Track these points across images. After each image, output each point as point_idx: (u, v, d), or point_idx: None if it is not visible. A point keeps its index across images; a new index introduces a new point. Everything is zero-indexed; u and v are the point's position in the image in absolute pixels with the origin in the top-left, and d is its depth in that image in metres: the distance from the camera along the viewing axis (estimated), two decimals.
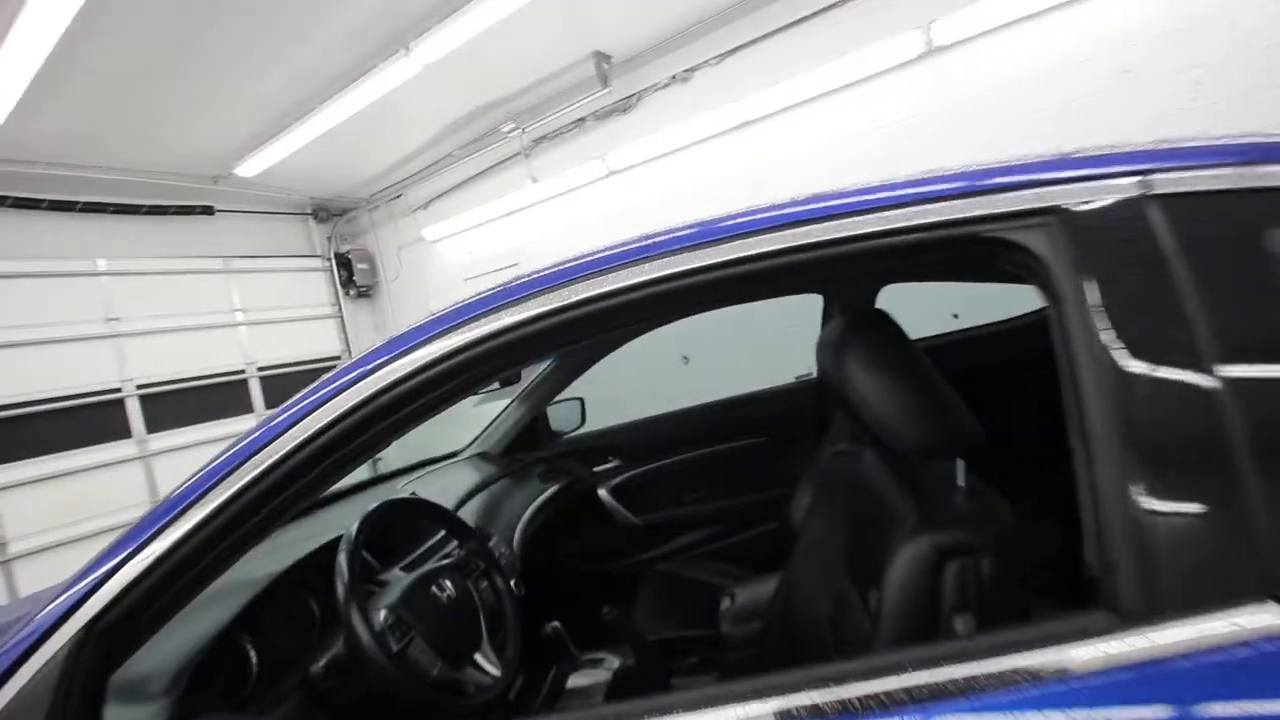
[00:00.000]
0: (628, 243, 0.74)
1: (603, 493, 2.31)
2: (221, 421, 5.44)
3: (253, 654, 1.10)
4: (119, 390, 4.99)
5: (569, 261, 0.76)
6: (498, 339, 0.70)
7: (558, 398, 2.36)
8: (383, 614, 0.99)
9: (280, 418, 0.73)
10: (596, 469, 2.38)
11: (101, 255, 4.96)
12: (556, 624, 1.54)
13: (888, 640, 0.71)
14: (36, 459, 4.53)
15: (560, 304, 0.71)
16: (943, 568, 0.69)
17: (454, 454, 2.30)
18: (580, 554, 2.39)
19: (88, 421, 4.83)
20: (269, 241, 5.96)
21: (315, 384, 0.77)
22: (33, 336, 4.61)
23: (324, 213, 6.27)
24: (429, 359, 0.70)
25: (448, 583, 1.13)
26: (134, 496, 4.87)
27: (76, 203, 4.98)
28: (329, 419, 0.71)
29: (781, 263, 0.67)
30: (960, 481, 0.79)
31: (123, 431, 4.99)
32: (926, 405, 0.81)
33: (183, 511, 0.72)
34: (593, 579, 2.40)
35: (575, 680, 1.51)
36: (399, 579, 1.30)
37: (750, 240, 0.67)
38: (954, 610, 0.68)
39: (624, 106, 4.65)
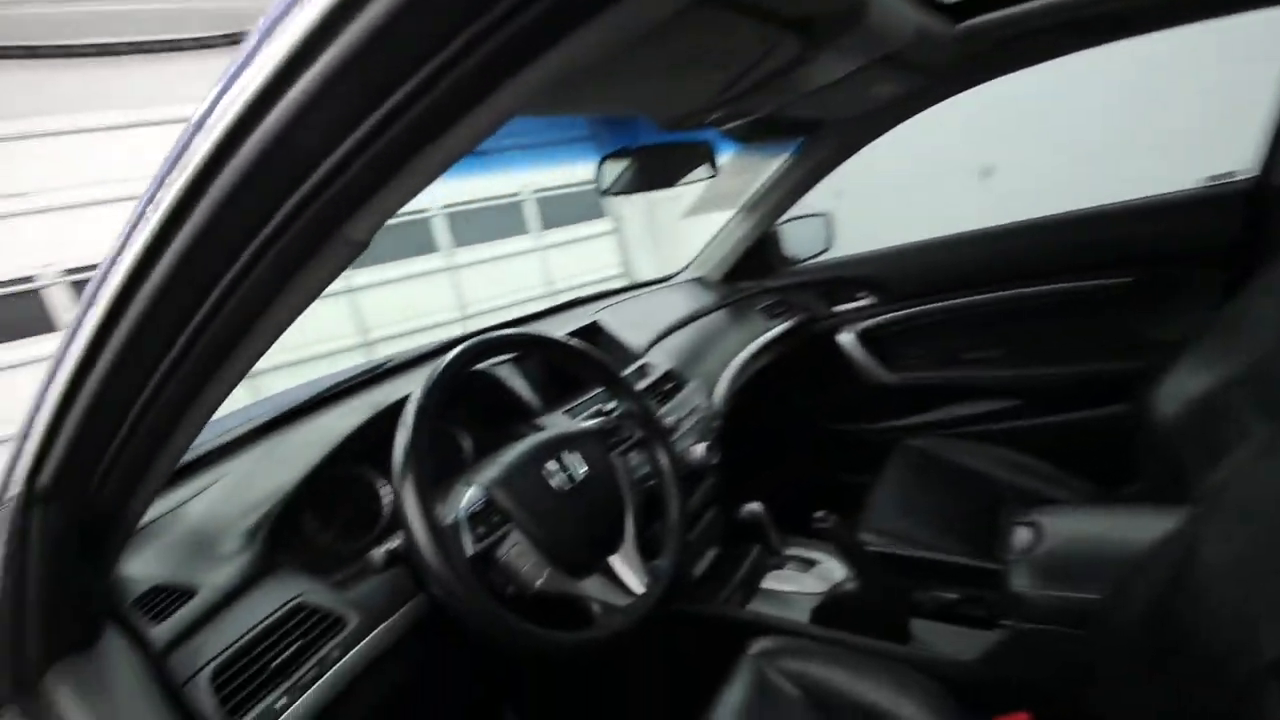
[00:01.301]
0: None
1: (846, 337, 1.78)
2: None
3: (382, 492, 0.95)
4: None
5: None
6: None
7: (792, 212, 1.80)
8: (469, 493, 0.72)
9: None
10: (839, 307, 1.83)
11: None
12: (758, 506, 1.18)
13: None
14: None
15: None
16: None
17: (664, 279, 1.95)
18: (806, 412, 1.95)
19: None
20: None
21: None
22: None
23: None
24: None
25: (576, 457, 0.81)
26: None
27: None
28: None
29: None
30: None
31: None
32: None
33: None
34: (819, 448, 1.98)
35: (773, 581, 1.17)
36: (553, 426, 1.04)
37: None
38: None
39: None
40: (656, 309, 1.63)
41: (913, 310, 1.70)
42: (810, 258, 1.91)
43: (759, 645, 0.95)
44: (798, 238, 1.97)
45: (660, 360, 1.38)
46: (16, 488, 0.51)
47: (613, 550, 0.79)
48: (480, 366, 1.10)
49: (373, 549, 0.71)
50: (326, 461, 0.84)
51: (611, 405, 0.98)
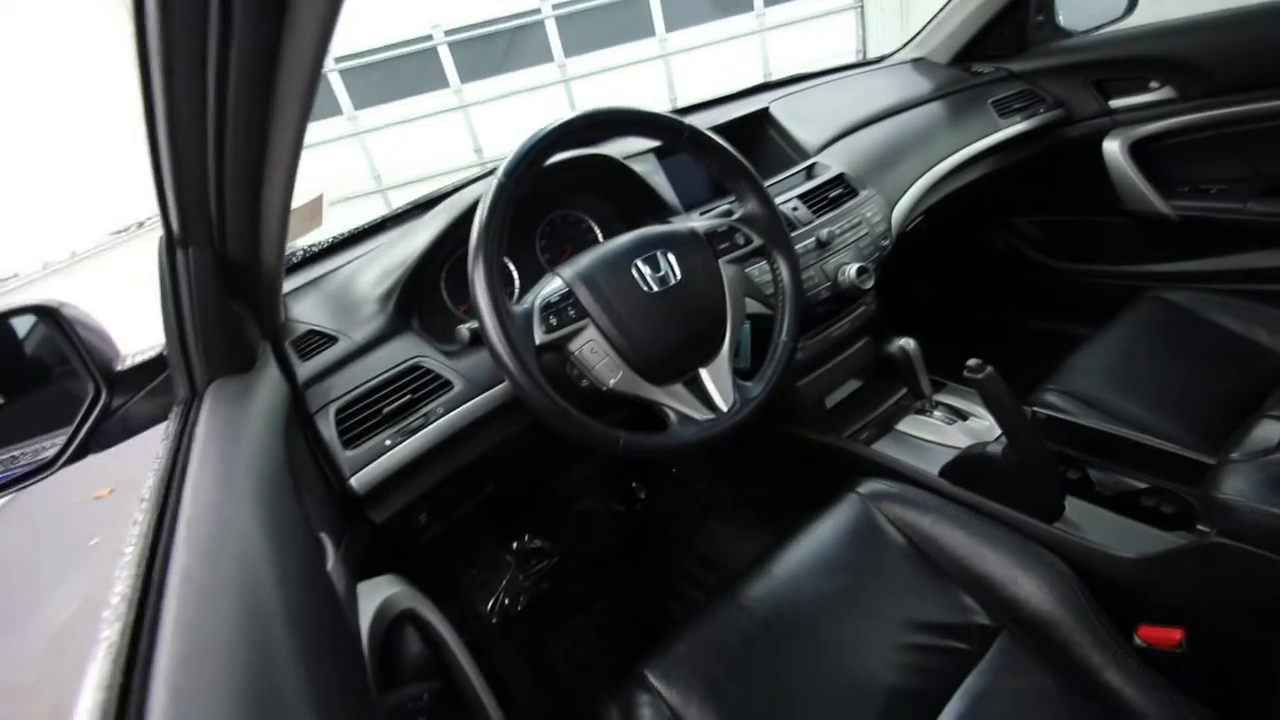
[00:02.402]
0: None
1: (1113, 146, 1.33)
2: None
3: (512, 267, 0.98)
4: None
5: None
6: None
7: None
8: (552, 283, 0.69)
9: None
10: (1117, 102, 1.35)
11: None
12: (909, 342, 1.02)
13: None
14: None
15: None
16: None
17: (874, 61, 1.58)
18: (1022, 241, 1.57)
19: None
20: None
21: None
22: None
23: None
24: None
25: (671, 258, 0.72)
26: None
27: None
28: None
29: None
30: None
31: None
32: None
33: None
34: (1029, 288, 1.61)
35: (911, 425, 1.04)
36: (678, 221, 0.95)
37: None
38: None
39: None
40: (851, 98, 1.35)
41: (1230, 110, 1.19)
42: (1098, 27, 1.39)
43: (869, 486, 0.88)
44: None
45: (835, 162, 1.17)
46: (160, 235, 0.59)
47: (705, 362, 0.74)
48: (621, 158, 1.02)
49: (461, 324, 0.74)
50: (451, 228, 0.87)
51: (735, 206, 0.85)
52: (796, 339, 0.79)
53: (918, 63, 1.52)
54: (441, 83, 5.47)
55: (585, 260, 0.71)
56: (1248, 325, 1.10)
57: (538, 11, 5.48)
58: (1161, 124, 1.28)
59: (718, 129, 1.23)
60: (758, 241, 0.80)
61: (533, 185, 0.69)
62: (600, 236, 1.07)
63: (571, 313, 0.68)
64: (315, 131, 5.24)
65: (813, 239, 1.03)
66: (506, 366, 0.62)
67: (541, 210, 1.02)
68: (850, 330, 1.13)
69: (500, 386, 0.79)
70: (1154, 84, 1.29)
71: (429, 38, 5.30)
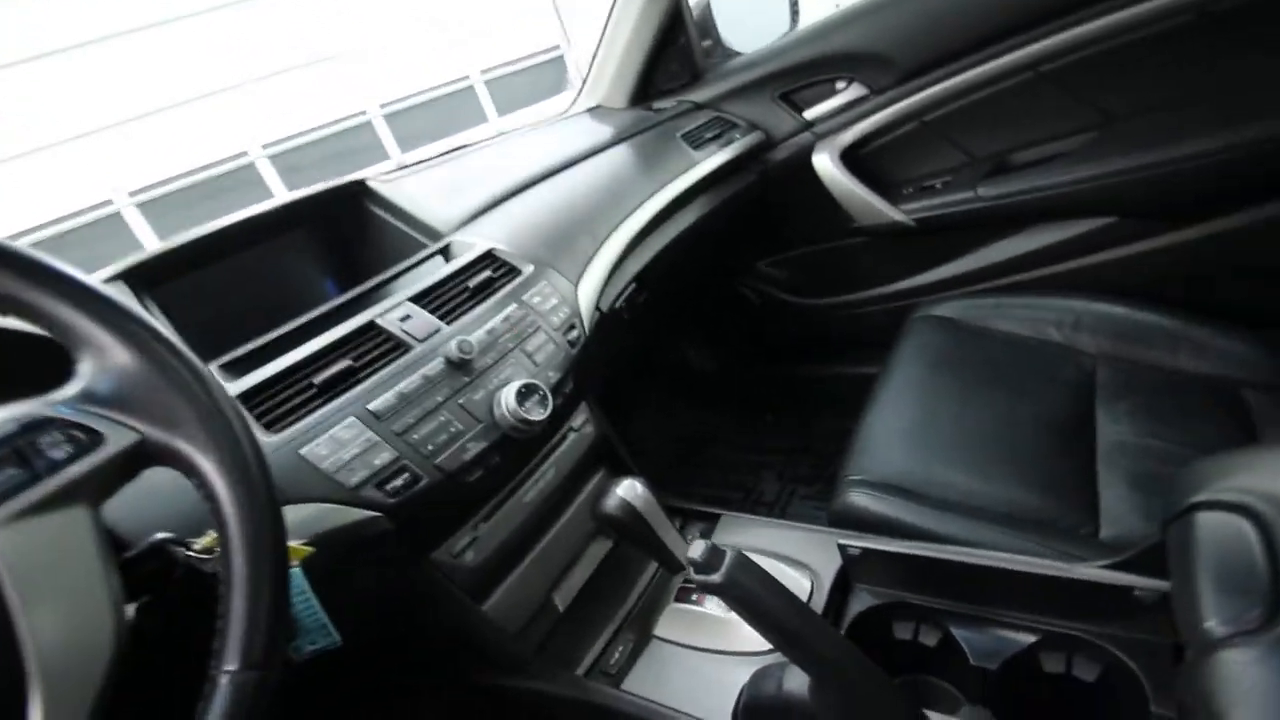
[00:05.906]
0: None
1: (822, 160, 1.14)
2: None
3: None
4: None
5: None
6: None
7: None
8: None
9: None
10: (811, 112, 1.17)
11: None
12: (629, 489, 0.63)
13: None
14: None
15: None
16: None
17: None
18: (779, 284, 1.34)
19: None
20: None
21: None
22: None
23: None
24: None
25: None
26: None
27: None
28: None
29: None
30: None
31: None
32: None
33: None
34: (785, 346, 1.40)
35: (673, 625, 0.64)
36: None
37: None
38: None
39: None
40: (505, 164, 1.01)
41: (923, 95, 1.04)
42: (771, 44, 1.23)
43: None
44: (740, 16, 1.28)
45: (482, 238, 0.79)
46: None
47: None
48: None
49: None
50: None
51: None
52: (269, 659, 0.32)
53: (593, 111, 1.26)
54: None
55: None
56: (1034, 325, 0.90)
57: (246, 153, 5.01)
58: (862, 125, 1.10)
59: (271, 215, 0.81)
60: (126, 440, 0.33)
61: None
62: None
63: None
64: None
65: (438, 361, 0.61)
66: None
67: None
68: (559, 479, 0.72)
69: None
70: (840, 84, 1.13)
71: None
